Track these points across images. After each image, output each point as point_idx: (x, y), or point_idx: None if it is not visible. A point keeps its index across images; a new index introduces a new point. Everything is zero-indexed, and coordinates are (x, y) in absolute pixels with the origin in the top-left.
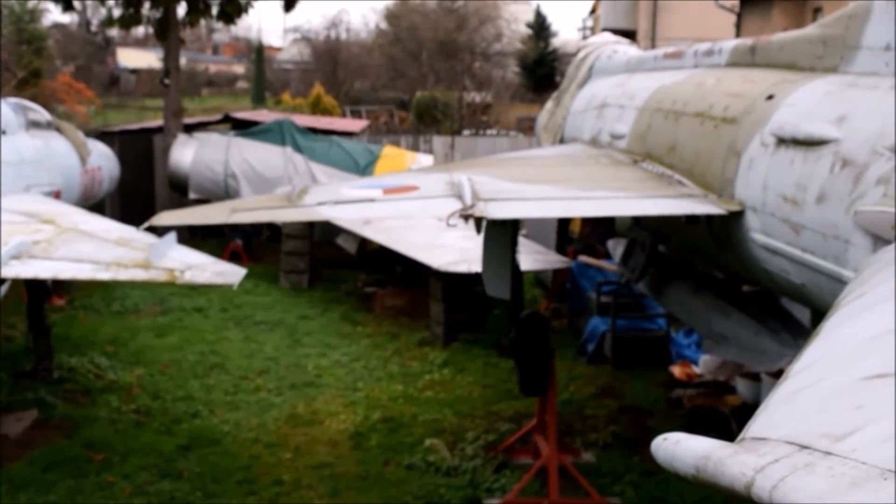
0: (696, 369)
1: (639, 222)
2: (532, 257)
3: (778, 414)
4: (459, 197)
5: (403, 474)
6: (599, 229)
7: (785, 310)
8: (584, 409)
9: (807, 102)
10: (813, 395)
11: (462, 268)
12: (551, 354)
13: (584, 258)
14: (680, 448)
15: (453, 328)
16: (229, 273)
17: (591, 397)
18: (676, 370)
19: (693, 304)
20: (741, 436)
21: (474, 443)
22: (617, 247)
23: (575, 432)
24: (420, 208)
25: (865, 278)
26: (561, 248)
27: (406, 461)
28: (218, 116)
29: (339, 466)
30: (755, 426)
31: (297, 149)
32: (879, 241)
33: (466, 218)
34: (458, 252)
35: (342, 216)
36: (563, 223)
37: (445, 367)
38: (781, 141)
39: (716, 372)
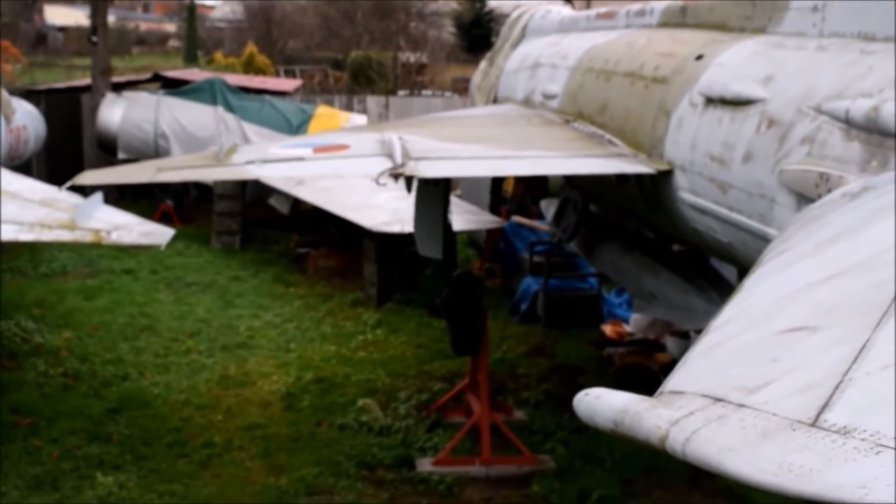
0: (627, 328)
1: (571, 182)
2: (465, 217)
3: (696, 368)
4: (390, 156)
5: (336, 434)
6: (532, 189)
7: (713, 269)
8: (517, 367)
9: (735, 62)
10: (730, 348)
11: (395, 228)
12: (483, 314)
13: (517, 218)
14: (600, 403)
15: (387, 289)
16: (157, 233)
17: (524, 356)
18: (607, 329)
19: (623, 263)
20: (660, 390)
21: (407, 402)
22: (549, 207)
23: (507, 391)
24: (350, 167)
25: (787, 236)
26: (494, 209)
27: (338, 421)
28: (147, 75)
29: (271, 427)
30: (674, 380)
31: (229, 108)
32: (803, 199)
33: (396, 177)
34: (392, 212)
35: (271, 175)
36: (496, 183)
37: (379, 327)
38: (710, 101)
39: (646, 330)
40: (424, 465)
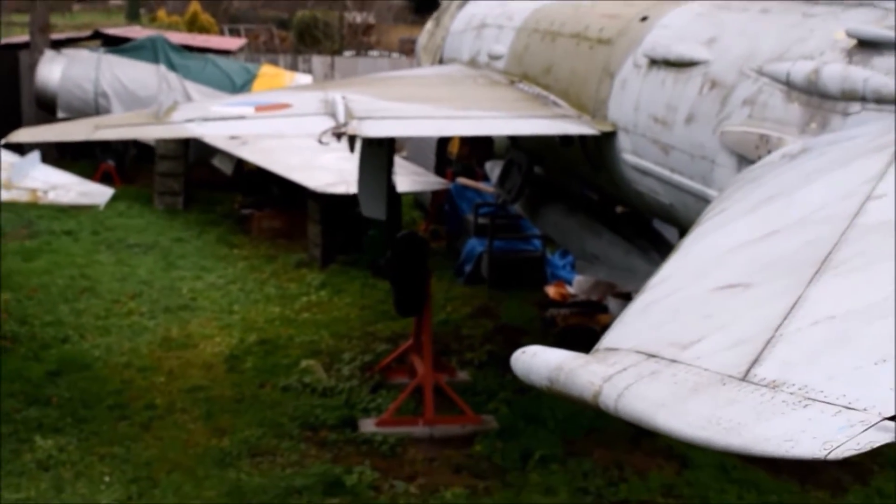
0: (570, 289)
1: (516, 144)
2: (410, 178)
3: (631, 325)
4: (333, 115)
5: (279, 396)
6: (478, 151)
7: (655, 230)
8: (461, 329)
9: (679, 24)
10: (666, 306)
11: (340, 189)
12: (427, 275)
13: (462, 180)
14: (536, 360)
15: (331, 250)
16: (96, 193)
17: (468, 317)
18: (551, 290)
19: (567, 224)
20: (596, 347)
21: (351, 363)
22: (495, 168)
23: (451, 352)
24: (292, 126)
25: (726, 196)
26: (440, 170)
27: (282, 383)
28: (88, 33)
29: (214, 389)
30: (609, 337)
31: (171, 67)
32: (744, 160)
33: (339, 136)
34: (337, 173)
35: (211, 134)
36: (442, 145)
37: (323, 288)
38: (654, 62)
39: (589, 291)
40: (368, 425)
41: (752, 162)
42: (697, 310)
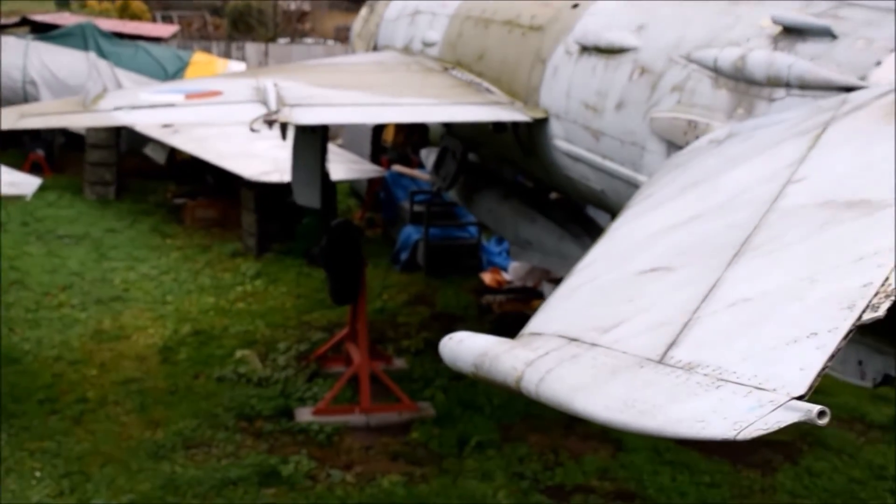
0: (506, 276)
1: (450, 130)
2: (345, 167)
3: (556, 309)
4: (264, 102)
5: (214, 387)
6: (413, 138)
7: (587, 216)
8: (397, 316)
9: (609, 11)
10: (590, 290)
11: (274, 177)
12: (362, 263)
13: (397, 167)
14: (462, 346)
15: (266, 239)
16: (23, 184)
17: (404, 305)
18: (487, 277)
19: (500, 211)
20: (521, 332)
21: (286, 353)
22: (430, 156)
23: (387, 340)
24: (222, 114)
25: (654, 181)
26: (375, 158)
27: (216, 374)
28: (15, 19)
29: (147, 381)
30: (534, 322)
31: (102, 54)
32: (673, 146)
33: (271, 123)
34: (271, 161)
35: (140, 122)
36: (377, 133)
37: (258, 278)
38: (584, 49)
39: (524, 278)
40: (304, 415)
41: (680, 148)
42: (619, 294)
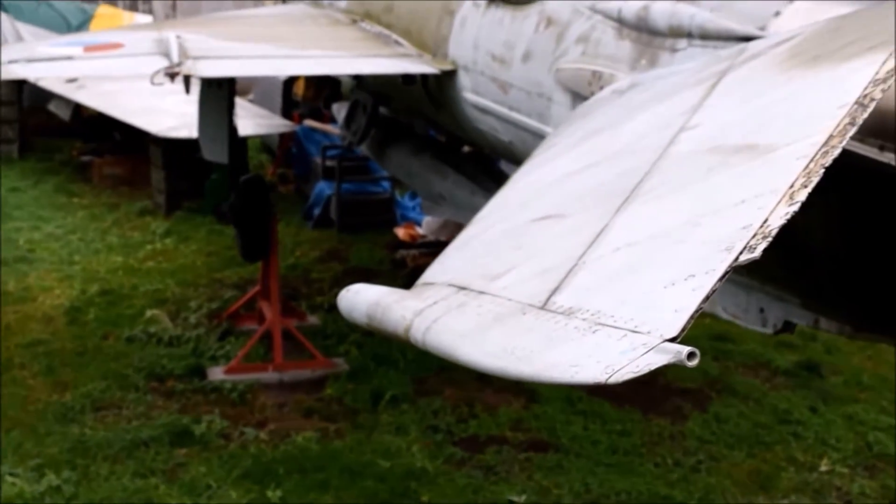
0: (420, 230)
1: (360, 84)
2: (255, 122)
3: (450, 259)
4: (167, 55)
5: (123, 347)
6: (324, 92)
7: (500, 169)
8: (310, 273)
9: None
10: (484, 239)
11: (183, 133)
12: (272, 218)
13: (309, 122)
14: (357, 297)
15: (176, 196)
16: None
17: (317, 261)
18: (400, 232)
19: (412, 165)
20: (416, 282)
21: (197, 311)
22: (341, 110)
23: (301, 296)
24: (123, 66)
25: (558, 132)
26: (287, 113)
27: (126, 334)
28: None
29: (55, 343)
30: (428, 272)
31: (1, 8)
32: (578, 97)
33: (173, 76)
34: (179, 117)
35: (37, 75)
36: (288, 87)
37: (168, 236)
38: (492, 0)
39: (438, 232)
40: (216, 373)
41: (585, 99)
42: (511, 241)
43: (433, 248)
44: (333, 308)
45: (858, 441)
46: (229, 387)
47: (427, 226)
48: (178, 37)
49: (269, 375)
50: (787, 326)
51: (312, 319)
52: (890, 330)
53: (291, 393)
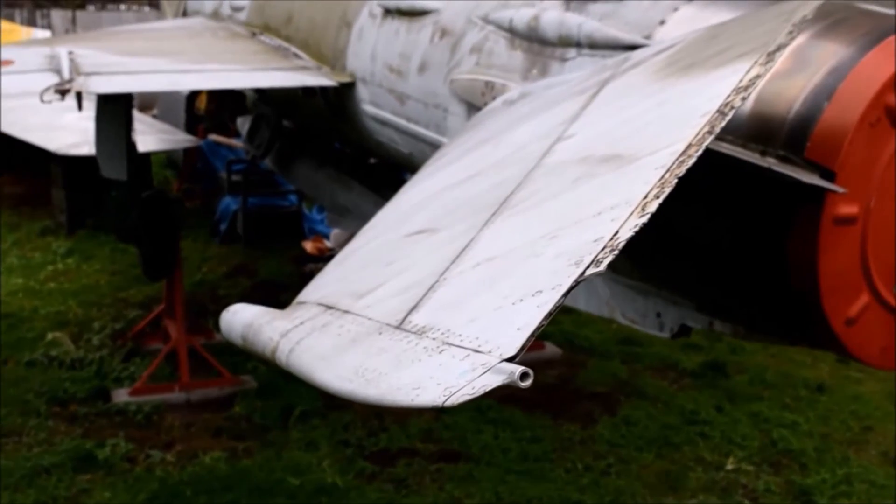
0: (328, 243)
1: (262, 97)
2: (157, 137)
3: (326, 276)
4: (58, 71)
5: (24, 372)
6: (228, 106)
7: (404, 180)
8: (218, 289)
9: None
10: (361, 254)
11: (84, 150)
12: (175, 235)
13: (214, 136)
14: (235, 318)
15: (78, 215)
16: None
17: (225, 277)
18: (308, 245)
19: (317, 178)
20: (294, 301)
21: (101, 332)
22: (245, 124)
23: (209, 313)
24: (11, 83)
25: (448, 143)
26: (190, 127)
27: (26, 358)
28: None
29: None
30: (304, 291)
31: None
32: (473, 108)
33: (64, 93)
34: (80, 133)
35: None
36: (191, 101)
37: (70, 255)
38: (388, 12)
39: (346, 245)
40: (121, 395)
41: (479, 109)
42: (384, 257)
43: None
44: None
45: (763, 438)
46: (134, 408)
47: (335, 238)
48: (69, 52)
49: (176, 395)
50: (684, 330)
51: (220, 337)
52: (779, 331)
53: (199, 412)
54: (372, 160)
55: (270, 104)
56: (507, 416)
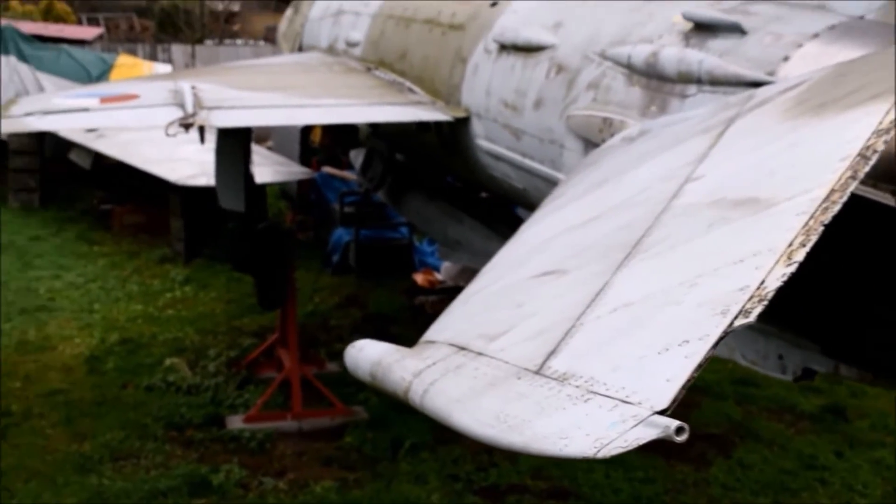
0: (439, 276)
1: (376, 131)
2: (273, 169)
3: (452, 316)
4: (181, 105)
5: (142, 396)
6: (341, 139)
7: (516, 215)
8: (329, 319)
9: (527, 9)
10: (486, 295)
11: (201, 181)
12: (290, 266)
13: (327, 169)
14: (362, 355)
15: (195, 244)
16: None
17: (336, 308)
18: (419, 277)
19: (428, 211)
20: (420, 340)
21: (216, 360)
22: (358, 157)
23: (320, 343)
24: (138, 118)
25: (567, 181)
26: (305, 160)
27: (145, 383)
28: None
29: (74, 392)
30: (431, 329)
31: (22, 58)
32: (590, 144)
33: (187, 127)
34: (198, 165)
35: (53, 127)
36: (306, 134)
37: (187, 284)
38: (503, 47)
39: (456, 278)
40: (235, 422)
41: (597, 145)
42: (512, 299)
43: (452, 294)
44: None
45: (886, 486)
46: (248, 435)
47: (446, 271)
48: (193, 87)
49: (288, 424)
50: (807, 373)
51: (331, 367)
52: None
53: (310, 442)
54: (483, 194)
55: (383, 138)
56: (618, 455)
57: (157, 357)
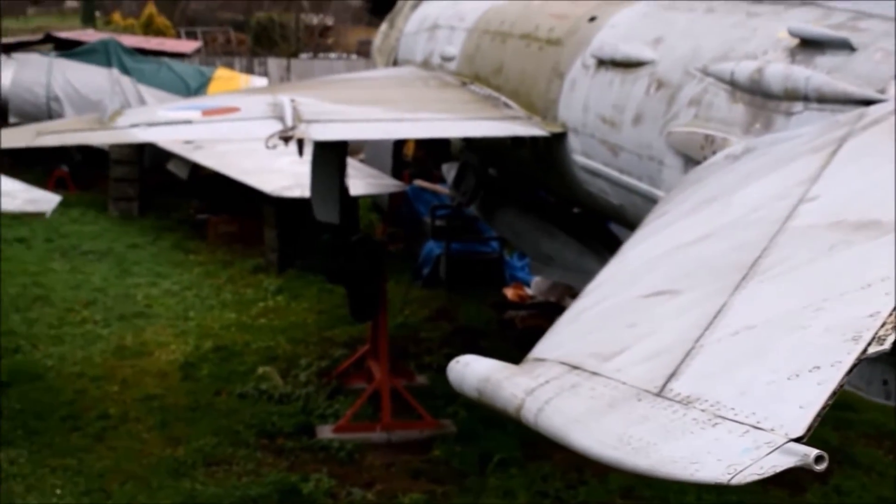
0: (529, 291)
1: (469, 145)
2: (366, 181)
3: (561, 334)
4: (281, 118)
5: (235, 403)
6: (434, 153)
7: (609, 231)
8: (419, 332)
9: (626, 24)
10: (595, 313)
11: (295, 193)
12: (382, 278)
13: (419, 182)
14: (467, 370)
15: (288, 254)
16: (42, 201)
17: (426, 320)
18: (509, 292)
19: (520, 226)
20: (527, 357)
21: (307, 369)
22: (450, 170)
23: (409, 356)
24: (239, 130)
25: (670, 198)
26: (396, 173)
27: (238, 390)
28: (39, 36)
29: (169, 398)
30: (539, 347)
31: (125, 70)
32: (690, 161)
33: (287, 140)
34: (292, 177)
35: (156, 139)
36: (398, 147)
37: (280, 293)
38: (601, 62)
39: (547, 293)
40: (325, 432)
41: (698, 163)
42: (623, 318)
43: (542, 310)
44: (442, 368)
45: None
46: (337, 445)
47: (536, 286)
48: (292, 101)
49: (378, 435)
50: None
51: (421, 379)
52: None
53: (399, 453)
54: (575, 209)
55: (476, 152)
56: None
57: (249, 365)
